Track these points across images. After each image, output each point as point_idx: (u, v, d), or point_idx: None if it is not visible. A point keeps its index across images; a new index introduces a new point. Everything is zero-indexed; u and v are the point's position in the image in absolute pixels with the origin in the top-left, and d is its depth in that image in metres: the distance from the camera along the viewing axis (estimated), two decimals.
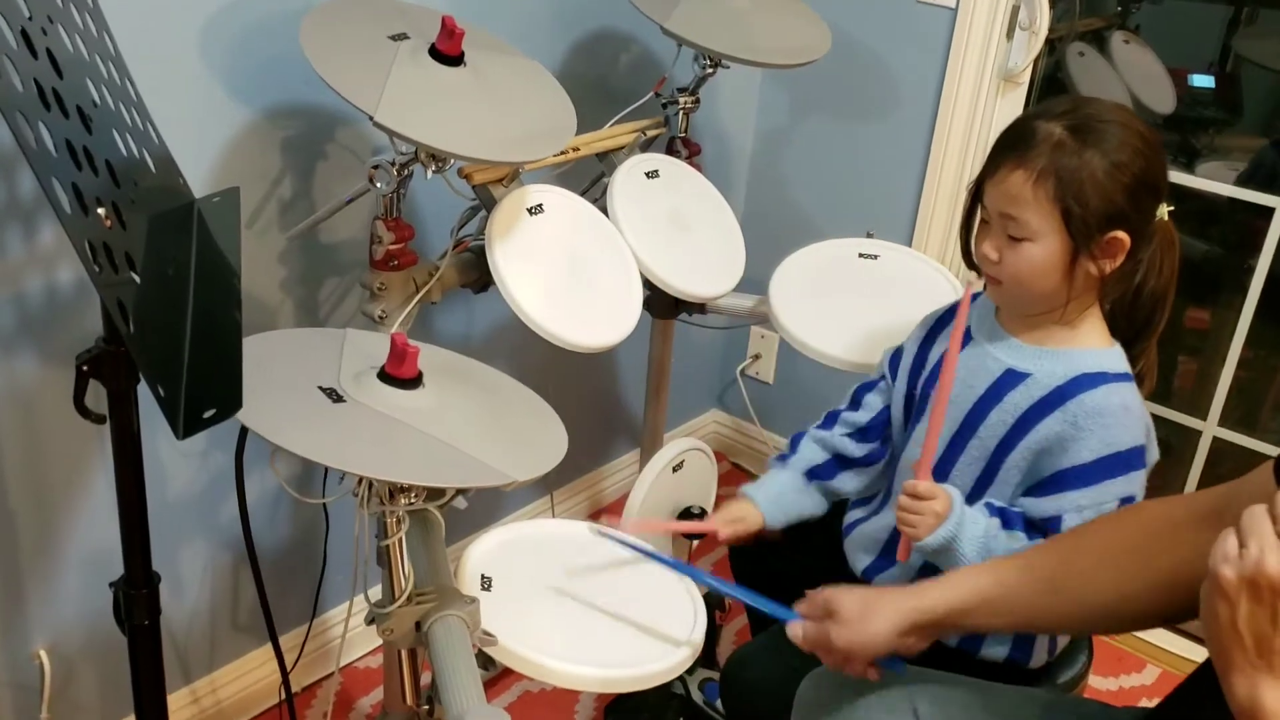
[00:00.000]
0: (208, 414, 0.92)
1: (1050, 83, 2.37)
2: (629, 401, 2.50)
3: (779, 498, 1.54)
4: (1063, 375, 1.32)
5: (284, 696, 1.69)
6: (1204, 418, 2.13)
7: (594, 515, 2.42)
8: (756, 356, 2.62)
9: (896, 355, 1.55)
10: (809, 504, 1.56)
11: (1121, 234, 1.27)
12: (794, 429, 2.62)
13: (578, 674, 1.22)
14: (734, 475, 2.26)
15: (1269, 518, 0.72)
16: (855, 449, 1.55)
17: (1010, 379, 1.36)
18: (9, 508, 1.49)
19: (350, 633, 2.00)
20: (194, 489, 1.70)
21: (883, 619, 1.13)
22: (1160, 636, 2.20)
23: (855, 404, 1.58)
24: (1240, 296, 2.05)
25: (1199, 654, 2.13)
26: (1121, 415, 1.30)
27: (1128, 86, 2.45)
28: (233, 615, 1.85)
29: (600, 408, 2.46)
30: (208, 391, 0.93)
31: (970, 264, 1.41)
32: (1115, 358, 1.35)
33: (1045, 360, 1.34)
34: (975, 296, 1.43)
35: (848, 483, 1.56)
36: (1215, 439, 2.14)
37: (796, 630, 1.18)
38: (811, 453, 1.57)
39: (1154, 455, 1.34)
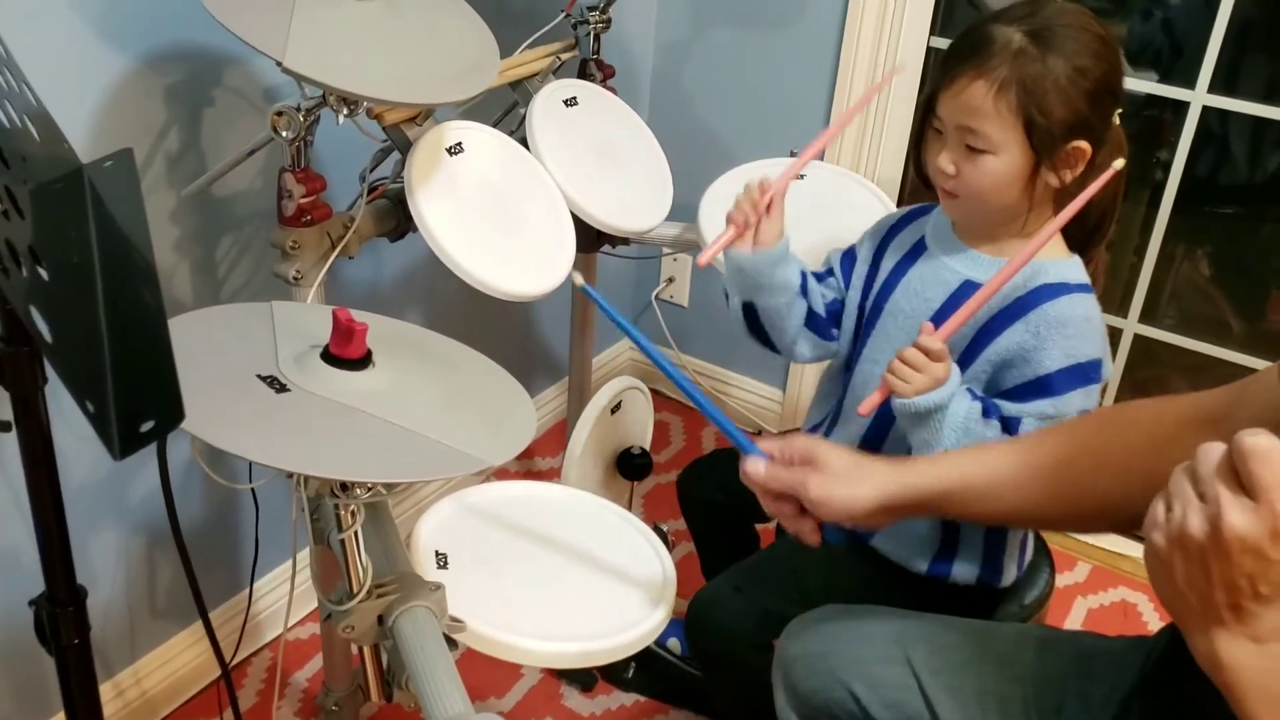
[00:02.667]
0: (145, 427, 0.80)
1: None
2: (548, 336, 2.40)
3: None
4: (1024, 286, 1.28)
5: (223, 674, 1.58)
6: (1125, 315, 2.14)
7: (522, 455, 2.33)
8: (670, 280, 2.53)
9: (849, 258, 1.49)
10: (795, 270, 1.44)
11: (1083, 143, 1.23)
12: (712, 352, 2.58)
13: (558, 652, 1.15)
14: (657, 403, 2.20)
15: (1188, 479, 0.71)
16: (820, 308, 1.47)
17: (968, 290, 1.31)
18: None
19: (274, 607, 1.90)
20: (98, 473, 1.56)
21: (870, 484, 1.05)
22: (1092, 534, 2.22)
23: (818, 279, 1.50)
24: (1147, 190, 2.04)
25: (1132, 549, 2.17)
26: (1084, 326, 1.27)
27: None
28: (151, 601, 1.73)
29: (520, 344, 2.36)
30: (141, 400, 0.81)
31: (923, 179, 1.35)
32: (1075, 268, 1.31)
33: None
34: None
35: (806, 330, 1.46)
36: (1136, 336, 2.15)
37: (758, 466, 1.07)
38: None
39: (1109, 369, 1.32)
